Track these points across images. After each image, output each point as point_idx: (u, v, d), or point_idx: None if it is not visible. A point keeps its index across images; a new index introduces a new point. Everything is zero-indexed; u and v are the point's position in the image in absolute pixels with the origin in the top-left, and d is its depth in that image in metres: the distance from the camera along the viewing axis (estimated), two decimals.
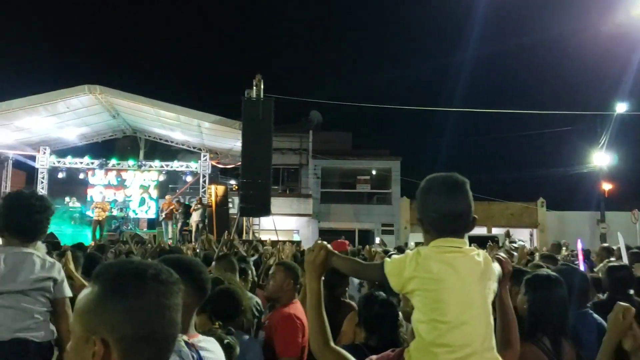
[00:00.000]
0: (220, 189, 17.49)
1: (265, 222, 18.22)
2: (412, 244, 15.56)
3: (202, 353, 1.70)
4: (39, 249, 3.01)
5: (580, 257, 5.19)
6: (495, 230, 21.79)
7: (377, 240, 15.96)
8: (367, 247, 7.82)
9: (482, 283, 1.81)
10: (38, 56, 64.14)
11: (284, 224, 21.95)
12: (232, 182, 24.38)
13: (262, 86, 16.72)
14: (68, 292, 2.90)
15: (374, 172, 26.99)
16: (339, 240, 6.25)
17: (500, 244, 10.24)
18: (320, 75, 70.17)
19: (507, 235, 9.62)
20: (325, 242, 2.01)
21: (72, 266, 3.73)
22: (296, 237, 24.76)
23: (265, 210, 16.75)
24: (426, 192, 1.89)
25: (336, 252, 1.98)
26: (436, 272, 1.77)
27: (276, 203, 17.90)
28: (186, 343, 1.65)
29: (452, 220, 1.84)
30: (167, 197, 19.64)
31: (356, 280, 5.03)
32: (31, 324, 2.69)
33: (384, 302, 2.82)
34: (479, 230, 20.64)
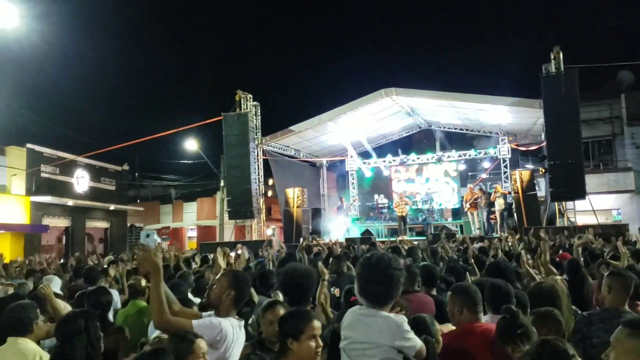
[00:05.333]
0: (525, 173, 16.55)
1: (579, 202, 16.55)
2: None
3: None
4: None
5: None
6: None
7: None
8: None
9: None
10: (339, 70, 71.70)
11: (601, 203, 19.67)
12: (529, 165, 22.85)
13: (561, 58, 15.30)
14: (417, 344, 2.41)
15: None
16: None
17: None
18: (623, 30, 61.01)
19: None
20: None
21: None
22: (617, 217, 22.02)
23: (580, 193, 15.29)
24: None
25: None
26: None
27: (588, 181, 16.11)
28: None
29: None
30: (469, 186, 19.56)
31: None
32: None
33: None
34: None
